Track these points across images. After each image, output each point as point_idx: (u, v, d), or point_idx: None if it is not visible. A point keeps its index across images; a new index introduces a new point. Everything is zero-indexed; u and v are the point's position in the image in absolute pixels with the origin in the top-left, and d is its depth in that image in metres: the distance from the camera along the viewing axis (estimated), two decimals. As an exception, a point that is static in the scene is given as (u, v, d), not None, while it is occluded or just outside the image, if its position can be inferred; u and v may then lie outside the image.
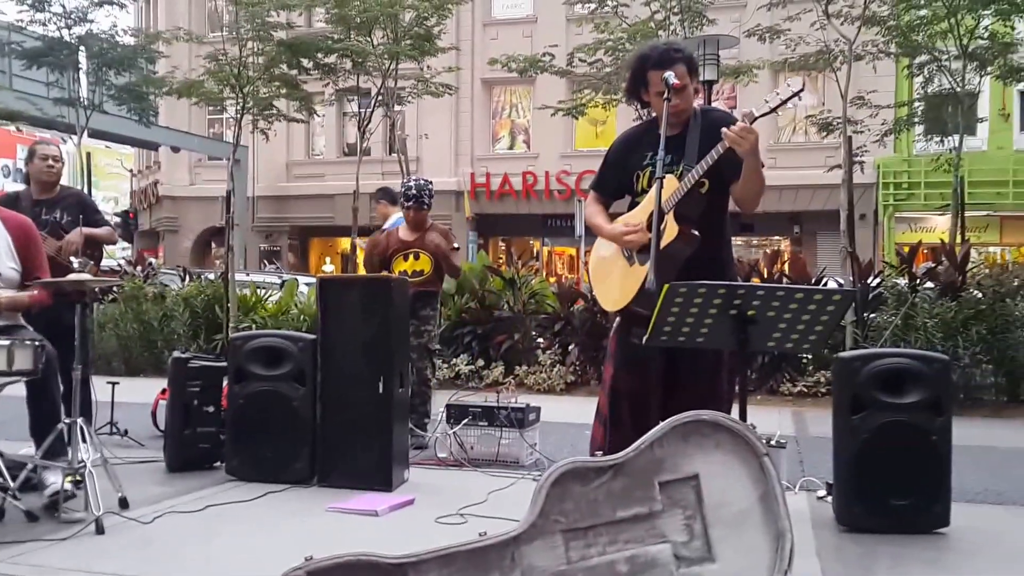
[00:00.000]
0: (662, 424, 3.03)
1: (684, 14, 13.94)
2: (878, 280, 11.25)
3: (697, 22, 14.33)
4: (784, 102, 3.75)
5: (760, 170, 3.95)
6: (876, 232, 25.30)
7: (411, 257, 7.46)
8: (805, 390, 10.63)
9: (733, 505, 2.97)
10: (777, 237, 27.66)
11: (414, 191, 7.53)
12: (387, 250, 7.58)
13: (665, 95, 4.00)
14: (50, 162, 6.39)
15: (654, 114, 4.40)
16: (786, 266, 13.27)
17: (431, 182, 7.76)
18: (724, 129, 3.81)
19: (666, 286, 3.40)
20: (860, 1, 13.97)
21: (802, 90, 3.71)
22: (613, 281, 4.34)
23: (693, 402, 3.91)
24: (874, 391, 4.74)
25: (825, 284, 11.32)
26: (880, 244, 24.59)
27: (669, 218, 3.97)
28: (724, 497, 2.97)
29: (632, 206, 4.37)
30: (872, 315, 10.64)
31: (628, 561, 2.91)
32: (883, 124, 17.38)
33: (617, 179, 4.46)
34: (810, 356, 10.60)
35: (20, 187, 7.68)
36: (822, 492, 5.43)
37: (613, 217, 4.46)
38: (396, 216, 8.78)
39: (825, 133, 17.52)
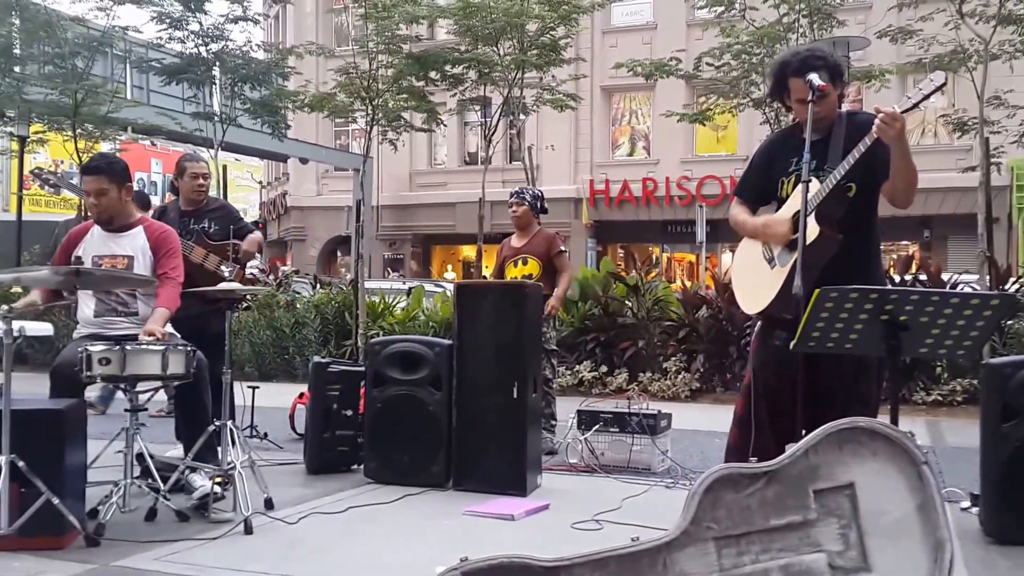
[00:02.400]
0: (817, 431, 2.97)
1: (814, 16, 13.65)
2: (1016, 285, 10.90)
3: (827, 24, 14.02)
4: (927, 96, 3.69)
5: (909, 159, 3.92)
6: (1010, 236, 24.48)
7: (519, 263, 7.58)
8: (940, 399, 10.33)
9: (890, 514, 2.91)
10: (905, 242, 26.99)
11: (517, 188, 7.88)
12: (501, 257, 7.78)
13: (809, 97, 3.97)
14: (200, 181, 6.54)
15: (797, 119, 4.38)
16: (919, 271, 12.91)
17: (539, 189, 8.07)
18: (876, 119, 3.77)
19: (816, 291, 3.34)
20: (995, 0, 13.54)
21: (944, 84, 3.66)
22: (754, 284, 4.31)
23: (836, 405, 3.87)
24: (1026, 398, 4.62)
25: (959, 288, 11.02)
26: (1015, 248, 23.79)
27: (810, 219, 3.92)
28: (880, 506, 2.92)
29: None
30: (1009, 322, 10.30)
31: (782, 570, 2.88)
32: (1020, 125, 16.84)
33: (760, 184, 4.44)
34: (944, 364, 10.34)
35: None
36: (966, 503, 5.27)
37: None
38: None
39: (960, 134, 17.01)
